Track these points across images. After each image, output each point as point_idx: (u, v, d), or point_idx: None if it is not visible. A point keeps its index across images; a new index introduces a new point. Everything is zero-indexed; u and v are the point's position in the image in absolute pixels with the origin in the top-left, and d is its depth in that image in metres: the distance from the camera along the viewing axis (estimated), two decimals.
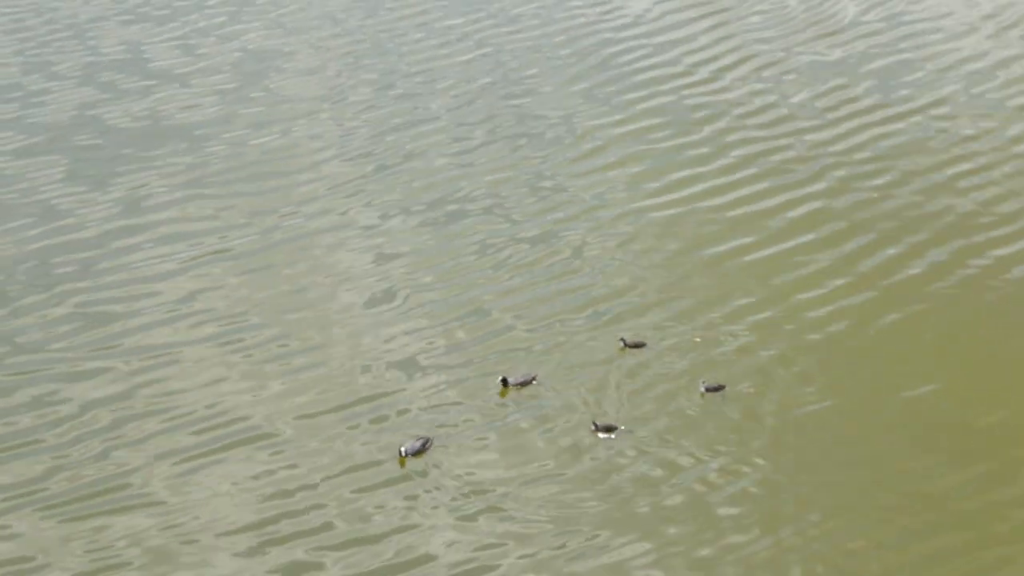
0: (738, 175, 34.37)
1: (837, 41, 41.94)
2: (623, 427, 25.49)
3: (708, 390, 26.26)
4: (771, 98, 38.35)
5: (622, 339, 27.50)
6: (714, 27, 43.22)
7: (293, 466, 24.92)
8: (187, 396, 26.62)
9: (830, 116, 37.25)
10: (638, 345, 27.40)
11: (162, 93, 38.74)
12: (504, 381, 26.17)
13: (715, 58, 40.91)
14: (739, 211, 32.73)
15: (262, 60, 40.85)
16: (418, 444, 24.75)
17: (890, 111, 37.37)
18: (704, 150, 35.64)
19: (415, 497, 24.08)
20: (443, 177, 34.33)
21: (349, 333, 28.31)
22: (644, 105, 37.90)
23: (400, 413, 26.07)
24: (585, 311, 28.96)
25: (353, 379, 26.93)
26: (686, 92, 38.82)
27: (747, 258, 30.88)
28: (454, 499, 24.05)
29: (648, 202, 33.28)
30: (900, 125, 36.60)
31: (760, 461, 24.79)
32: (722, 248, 31.23)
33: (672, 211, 32.81)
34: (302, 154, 35.36)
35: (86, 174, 34.36)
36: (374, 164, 34.89)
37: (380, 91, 38.95)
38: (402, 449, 24.67)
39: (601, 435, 25.27)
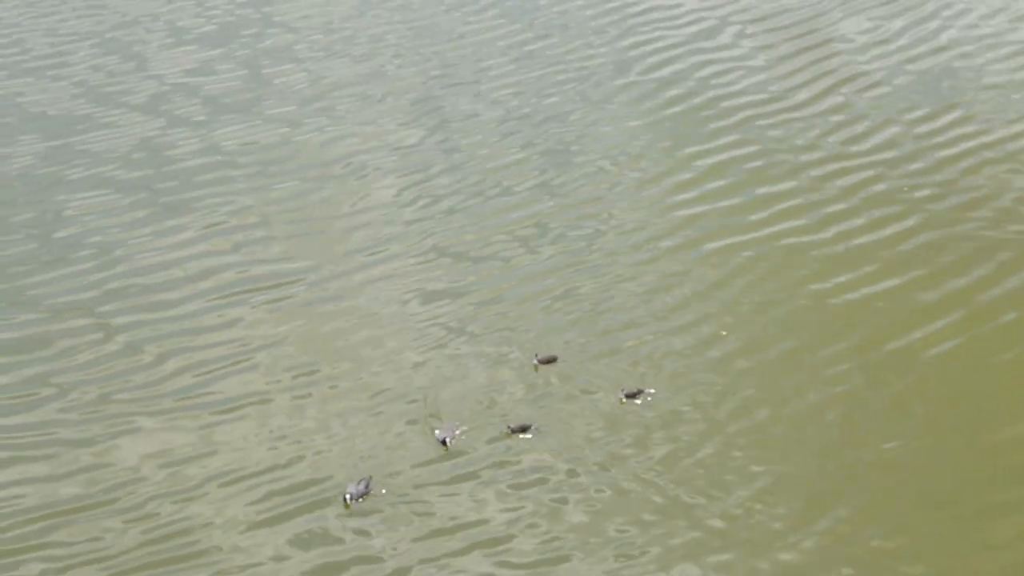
0: (831, 209, 32.57)
1: (935, 64, 39.80)
2: (535, 426, 25.36)
3: (628, 396, 25.85)
4: (862, 127, 36.38)
5: (536, 355, 27.07)
6: (801, 51, 41.18)
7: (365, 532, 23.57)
8: (254, 451, 25.34)
9: (926, 143, 35.36)
10: (549, 360, 26.93)
11: (228, 123, 37.24)
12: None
13: (805, 84, 38.91)
14: (834, 248, 30.99)
15: (324, 87, 39.29)
16: (362, 487, 23.89)
17: (990, 137, 35.38)
18: (791, 183, 33.78)
19: None
20: (520, 215, 32.64)
21: (429, 381, 26.95)
22: (726, 137, 35.93)
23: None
24: (674, 354, 27.54)
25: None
26: (768, 119, 36.88)
27: (846, 296, 29.22)
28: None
29: (734, 239, 31.51)
30: (1005, 153, 34.63)
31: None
32: (818, 287, 29.60)
33: (760, 248, 31.09)
34: (370, 191, 33.74)
35: (144, 211, 32.93)
36: (447, 203, 33.24)
37: (454, 122, 37.31)
38: (346, 495, 23.78)
39: (521, 435, 25.16)
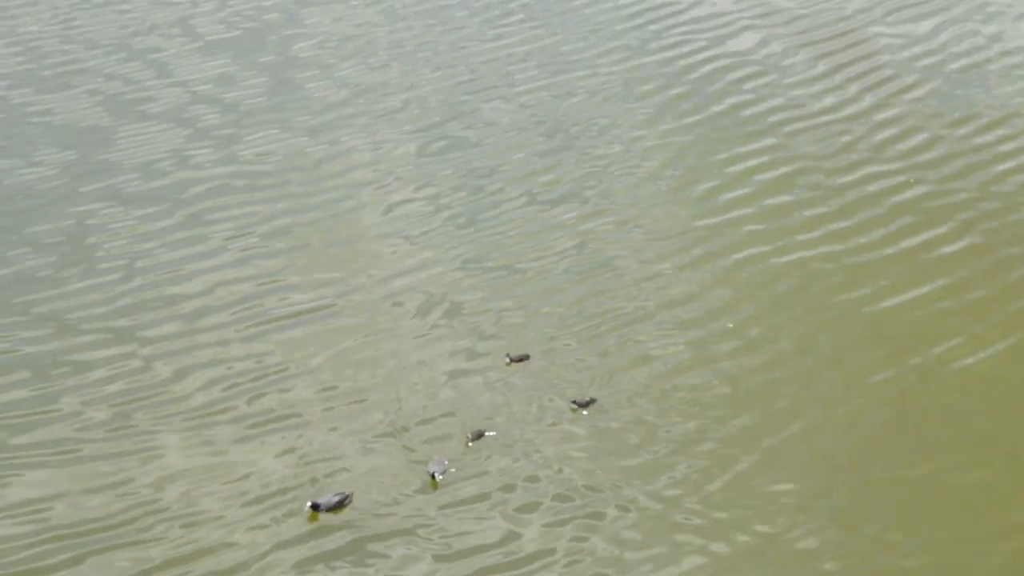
0: (865, 214, 31.98)
1: (969, 67, 39.13)
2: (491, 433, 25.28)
3: (578, 405, 25.72)
4: (894, 131, 35.78)
5: (507, 354, 26.99)
6: (831, 53, 40.51)
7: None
8: (277, 470, 24.93)
9: (961, 147, 34.75)
10: (522, 359, 26.89)
11: (250, 135, 36.76)
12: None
13: (836, 88, 38.24)
14: (869, 255, 30.46)
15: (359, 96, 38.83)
16: (335, 499, 23.61)
17: None
18: (823, 189, 33.23)
19: None
20: (549, 225, 32.08)
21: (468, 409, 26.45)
22: (757, 143, 35.37)
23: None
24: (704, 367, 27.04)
25: None
26: (799, 123, 36.29)
27: (881, 304, 28.70)
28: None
29: (766, 247, 30.97)
30: None
31: None
32: (853, 295, 29.05)
33: (794, 255, 30.57)
34: (395, 202, 33.25)
35: (165, 223, 32.49)
36: (475, 214, 32.72)
37: (481, 130, 36.77)
38: (319, 503, 23.56)
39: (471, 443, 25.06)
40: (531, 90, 38.25)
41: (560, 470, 24.69)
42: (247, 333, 28.52)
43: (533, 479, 24.59)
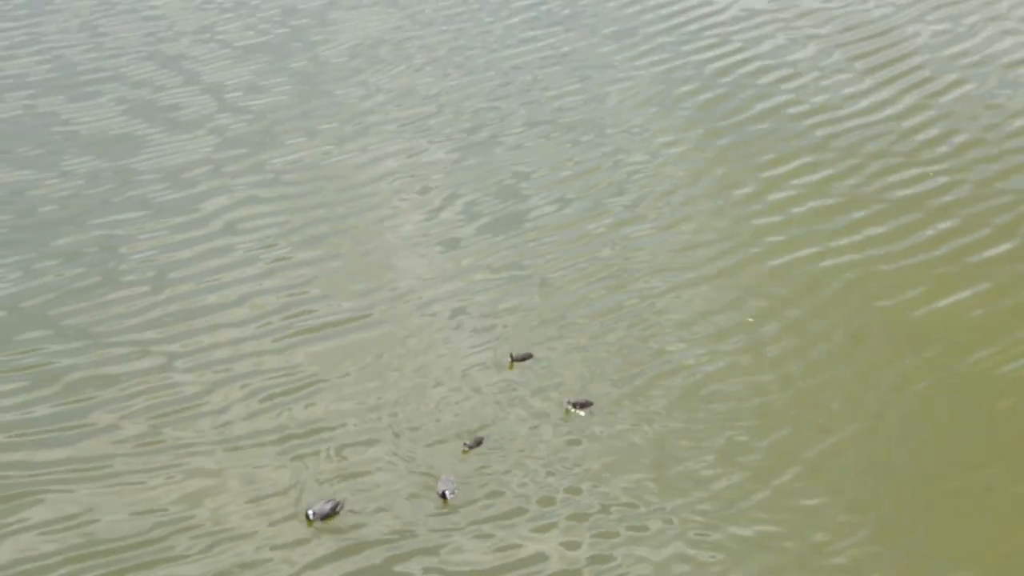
0: (905, 219, 31.46)
1: (1009, 66, 38.51)
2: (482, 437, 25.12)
3: (574, 406, 25.59)
4: (933, 133, 35.21)
5: (510, 354, 26.93)
6: (869, 54, 39.86)
7: None
8: (307, 486, 24.57)
9: (1001, 149, 34.19)
10: (524, 358, 26.87)
11: (279, 142, 36.40)
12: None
13: (874, 89, 37.61)
14: (902, 262, 29.94)
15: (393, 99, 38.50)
16: (327, 507, 23.52)
17: None
18: (863, 192, 32.68)
19: None
20: (580, 232, 31.64)
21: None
22: (796, 145, 34.83)
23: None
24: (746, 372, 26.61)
25: None
26: (837, 126, 35.70)
27: (922, 310, 28.23)
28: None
29: (805, 251, 30.47)
30: None
31: None
32: (893, 300, 28.57)
33: (833, 260, 30.03)
34: (423, 209, 32.87)
35: (194, 234, 32.13)
36: (505, 221, 32.33)
37: (511, 136, 36.32)
38: (309, 512, 23.46)
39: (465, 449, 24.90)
40: (563, 94, 37.77)
41: (596, 485, 24.29)
42: (278, 345, 28.15)
43: (572, 491, 24.25)
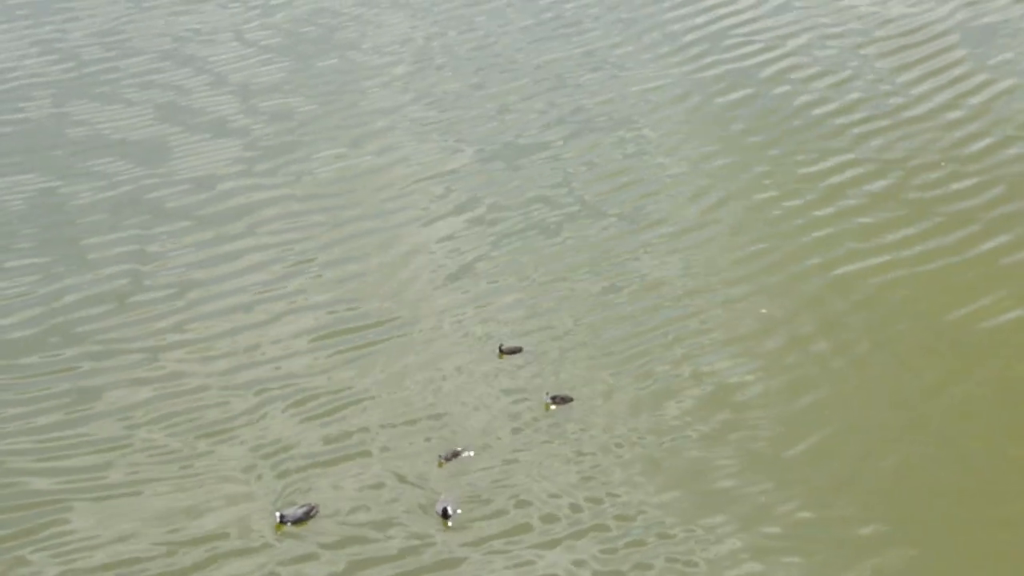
0: (962, 232, 30.45)
1: None
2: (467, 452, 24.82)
3: (554, 400, 25.72)
4: (985, 142, 34.13)
5: (500, 346, 27.16)
6: (917, 62, 38.58)
7: None
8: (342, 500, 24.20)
9: None
10: (513, 351, 27.09)
11: (307, 149, 35.70)
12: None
13: (924, 96, 36.48)
14: (967, 272, 29.15)
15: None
16: (300, 511, 23.49)
17: None
18: (913, 204, 31.78)
19: None
20: (607, 246, 30.84)
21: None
22: (842, 156, 33.80)
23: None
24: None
25: None
26: (885, 135, 34.66)
27: (982, 324, 27.50)
28: None
29: (859, 264, 29.65)
30: None
31: None
32: (955, 314, 27.80)
33: (888, 274, 29.26)
34: (454, 226, 32.01)
35: (221, 248, 31.60)
36: (534, 231, 31.62)
37: (543, 147, 35.40)
38: (281, 514, 23.46)
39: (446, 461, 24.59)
40: (597, 97, 37.00)
41: (641, 512, 23.73)
42: (312, 359, 27.75)
43: (623, 519, 23.65)
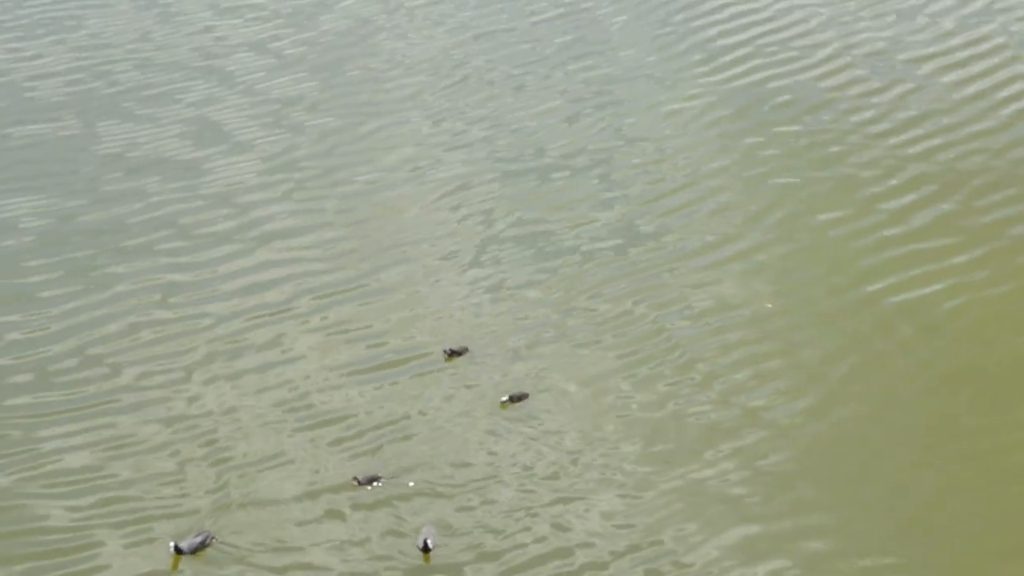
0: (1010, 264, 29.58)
1: None
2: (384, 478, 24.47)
3: (511, 398, 25.84)
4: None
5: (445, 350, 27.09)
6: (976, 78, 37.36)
7: None
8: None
9: None
10: (457, 352, 27.07)
11: (330, 164, 34.78)
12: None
13: (987, 113, 35.34)
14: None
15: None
16: (197, 541, 23.17)
17: None
18: (982, 227, 30.84)
19: None
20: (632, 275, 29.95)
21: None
22: (904, 176, 32.76)
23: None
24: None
25: None
26: (948, 153, 33.65)
27: None
28: None
29: (927, 290, 28.81)
30: None
31: None
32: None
33: (957, 300, 28.31)
34: (479, 248, 31.10)
35: (250, 265, 30.93)
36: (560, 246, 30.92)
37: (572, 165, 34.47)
38: (179, 545, 23.02)
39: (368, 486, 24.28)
40: (628, 114, 36.02)
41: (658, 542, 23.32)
42: (326, 386, 27.07)
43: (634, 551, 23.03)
